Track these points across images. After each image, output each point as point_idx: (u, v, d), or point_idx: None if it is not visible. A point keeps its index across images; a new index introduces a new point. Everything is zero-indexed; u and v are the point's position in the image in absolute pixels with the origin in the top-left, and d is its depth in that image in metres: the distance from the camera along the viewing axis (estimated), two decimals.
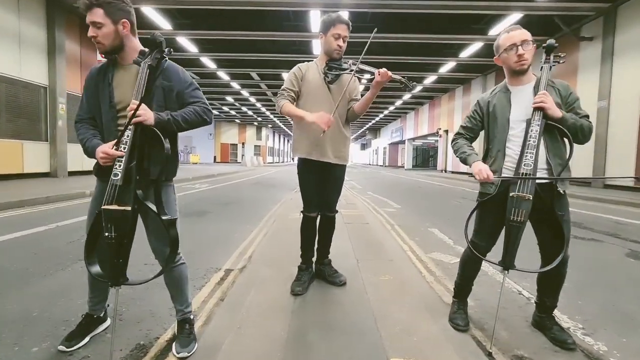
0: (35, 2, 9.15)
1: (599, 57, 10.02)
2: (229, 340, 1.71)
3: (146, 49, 1.48)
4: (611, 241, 3.88)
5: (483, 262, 1.87)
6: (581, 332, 1.83)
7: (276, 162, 55.01)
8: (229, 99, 26.08)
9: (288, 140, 77.40)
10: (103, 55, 1.50)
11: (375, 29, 2.17)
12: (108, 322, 1.79)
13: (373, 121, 40.46)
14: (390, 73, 1.92)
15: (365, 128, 49.86)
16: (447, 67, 15.86)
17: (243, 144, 43.21)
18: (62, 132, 9.82)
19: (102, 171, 1.49)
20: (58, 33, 9.57)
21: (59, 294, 2.22)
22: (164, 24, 11.01)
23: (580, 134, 1.59)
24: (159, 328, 1.83)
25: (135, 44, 1.53)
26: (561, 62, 1.66)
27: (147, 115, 1.38)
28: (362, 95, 2.29)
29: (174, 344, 1.62)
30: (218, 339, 1.72)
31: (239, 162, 31.73)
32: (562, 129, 1.56)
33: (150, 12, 10.23)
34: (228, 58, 15.23)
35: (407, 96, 23.53)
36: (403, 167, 33.67)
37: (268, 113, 34.90)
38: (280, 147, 66.72)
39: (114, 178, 1.35)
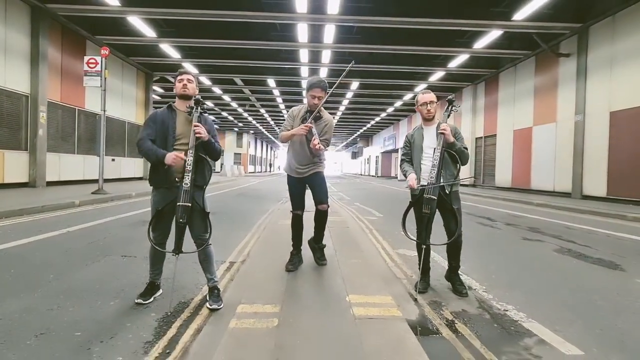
0: (21, 10, 10.18)
1: (575, 73, 11.70)
2: (246, 295, 2.84)
3: (193, 105, 2.66)
4: (551, 241, 5.19)
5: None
6: (482, 290, 3.06)
7: (258, 172, 55.84)
8: (209, 103, 27.21)
9: (272, 148, 78.48)
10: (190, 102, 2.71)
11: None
12: (160, 291, 2.89)
13: (364, 128, 42.08)
14: (316, 148, 3.20)
15: (356, 135, 51.39)
16: (436, 76, 17.52)
17: (222, 151, 43.92)
18: (42, 141, 10.72)
19: (159, 183, 2.65)
20: (42, 41, 10.57)
21: (107, 276, 3.30)
22: (149, 32, 12.17)
23: (462, 156, 2.88)
24: (190, 294, 2.95)
25: None
26: (457, 110, 2.97)
27: (205, 135, 2.58)
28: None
29: (207, 301, 2.71)
30: (236, 297, 2.84)
31: (218, 172, 32.61)
32: (455, 155, 2.82)
33: (136, 22, 11.38)
34: (211, 64, 16.45)
35: (398, 103, 25.21)
36: (396, 177, 34.86)
37: (250, 119, 36.05)
38: (263, 155, 67.13)
39: (185, 185, 2.50)
